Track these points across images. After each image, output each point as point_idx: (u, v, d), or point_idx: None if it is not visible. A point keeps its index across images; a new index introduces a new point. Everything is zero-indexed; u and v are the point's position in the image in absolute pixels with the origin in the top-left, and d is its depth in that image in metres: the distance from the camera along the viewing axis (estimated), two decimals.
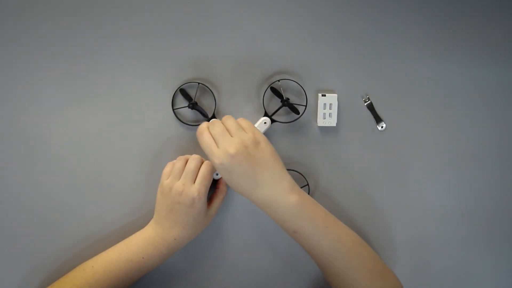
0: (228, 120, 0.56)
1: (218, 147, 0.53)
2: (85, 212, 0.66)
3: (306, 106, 0.65)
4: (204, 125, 0.56)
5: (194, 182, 0.58)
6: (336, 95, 0.66)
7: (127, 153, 0.65)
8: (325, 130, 0.67)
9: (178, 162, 0.60)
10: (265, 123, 0.64)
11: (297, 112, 0.65)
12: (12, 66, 0.63)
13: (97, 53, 0.63)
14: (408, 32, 0.66)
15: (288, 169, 0.66)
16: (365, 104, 0.67)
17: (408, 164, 0.68)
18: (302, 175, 0.67)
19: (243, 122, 0.56)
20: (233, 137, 0.54)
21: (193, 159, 0.59)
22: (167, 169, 0.60)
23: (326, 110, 0.66)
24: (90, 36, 0.63)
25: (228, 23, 0.64)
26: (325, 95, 0.65)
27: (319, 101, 0.65)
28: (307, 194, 0.57)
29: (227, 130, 0.55)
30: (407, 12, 0.66)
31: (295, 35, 0.65)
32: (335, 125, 0.66)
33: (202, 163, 0.60)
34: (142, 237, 0.60)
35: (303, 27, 0.65)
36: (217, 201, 0.63)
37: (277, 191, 0.54)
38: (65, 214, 0.65)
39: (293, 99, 0.66)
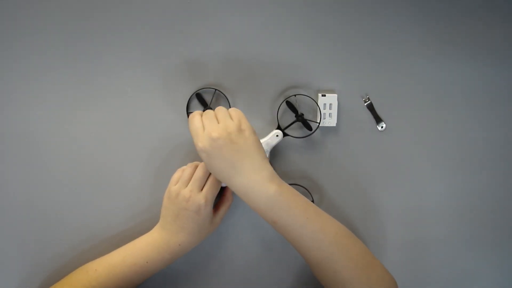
0: (219, 110, 0.57)
1: (203, 131, 0.55)
2: (90, 213, 0.66)
3: (319, 123, 0.65)
4: (196, 111, 0.57)
5: (202, 190, 0.58)
6: (336, 95, 0.65)
7: (136, 156, 0.65)
8: (325, 130, 0.67)
9: (188, 168, 0.60)
10: (277, 136, 0.64)
11: (309, 128, 0.65)
12: (17, 68, 0.62)
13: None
14: (409, 32, 0.66)
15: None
16: (365, 104, 0.67)
17: (408, 164, 0.69)
18: (303, 187, 0.67)
19: (233, 111, 0.57)
20: (219, 123, 0.55)
21: (202, 166, 0.59)
22: (176, 175, 0.60)
23: (326, 110, 0.66)
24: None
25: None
26: (325, 95, 0.65)
27: (319, 101, 0.65)
28: (287, 185, 0.57)
29: (216, 118, 0.56)
30: (408, 12, 0.65)
31: (295, 35, 0.65)
32: (335, 125, 0.66)
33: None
34: (147, 242, 0.61)
35: (303, 27, 0.65)
36: (223, 209, 0.63)
37: (255, 179, 0.54)
38: (69, 215, 0.65)
39: (305, 114, 0.66)
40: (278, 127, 0.65)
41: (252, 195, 0.54)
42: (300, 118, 0.65)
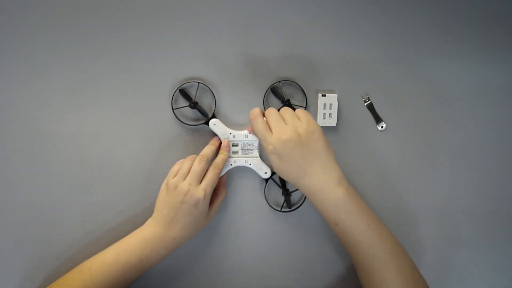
0: (285, 110, 0.57)
1: (272, 133, 0.55)
2: (83, 210, 0.65)
3: (306, 107, 0.65)
4: (257, 109, 0.57)
5: (201, 183, 0.58)
6: (336, 95, 0.65)
7: (126, 152, 0.65)
8: (325, 130, 0.66)
9: (187, 161, 0.60)
10: None
11: None
12: (13, 67, 0.62)
13: (96, 52, 0.63)
14: (408, 32, 0.66)
15: None
16: (365, 104, 0.67)
17: (408, 164, 0.68)
18: None
19: (300, 112, 0.57)
20: (287, 124, 0.55)
21: (201, 160, 0.59)
22: (175, 167, 0.60)
23: (326, 110, 0.66)
24: (90, 34, 0.63)
25: (228, 23, 0.64)
26: (325, 95, 0.65)
27: (319, 101, 0.65)
28: (354, 190, 0.58)
29: (283, 118, 0.56)
30: (407, 12, 0.66)
31: (295, 35, 0.65)
32: (335, 125, 0.66)
33: (209, 164, 0.60)
34: (140, 238, 0.60)
35: (303, 27, 0.65)
36: (217, 203, 0.63)
37: (324, 181, 0.55)
38: (62, 212, 0.65)
39: (293, 100, 0.66)
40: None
41: (321, 196, 0.56)
42: (287, 104, 0.64)
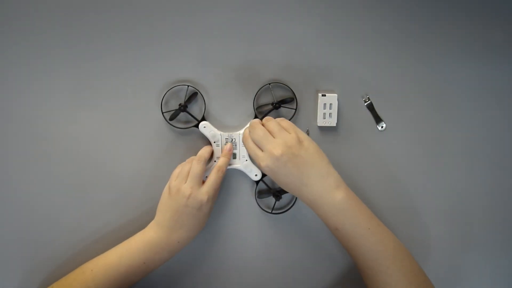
0: (269, 122, 0.57)
1: (262, 150, 0.55)
2: (84, 211, 0.65)
3: (296, 110, 0.65)
4: (246, 131, 0.58)
5: (203, 185, 0.59)
6: (336, 95, 0.65)
7: (120, 155, 0.65)
8: (325, 130, 0.67)
9: (187, 164, 0.60)
10: None
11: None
12: (12, 69, 0.62)
13: (89, 56, 0.63)
14: (408, 32, 0.66)
15: None
16: (365, 104, 0.67)
17: (408, 164, 0.68)
18: None
19: (284, 122, 0.57)
20: (276, 138, 0.54)
21: (199, 162, 0.59)
22: (177, 170, 0.60)
23: (326, 110, 0.65)
24: (87, 36, 0.62)
25: (221, 23, 0.64)
26: (325, 95, 0.65)
27: (319, 101, 0.65)
28: (353, 193, 0.57)
29: (269, 132, 0.56)
30: (407, 12, 0.65)
31: (295, 35, 0.65)
32: (335, 125, 0.66)
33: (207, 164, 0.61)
34: (143, 241, 0.60)
35: (302, 27, 0.65)
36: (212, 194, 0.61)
37: (322, 187, 0.55)
38: (63, 213, 0.65)
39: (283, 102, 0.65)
40: (256, 117, 0.64)
41: (320, 202, 0.55)
42: (277, 105, 0.64)
